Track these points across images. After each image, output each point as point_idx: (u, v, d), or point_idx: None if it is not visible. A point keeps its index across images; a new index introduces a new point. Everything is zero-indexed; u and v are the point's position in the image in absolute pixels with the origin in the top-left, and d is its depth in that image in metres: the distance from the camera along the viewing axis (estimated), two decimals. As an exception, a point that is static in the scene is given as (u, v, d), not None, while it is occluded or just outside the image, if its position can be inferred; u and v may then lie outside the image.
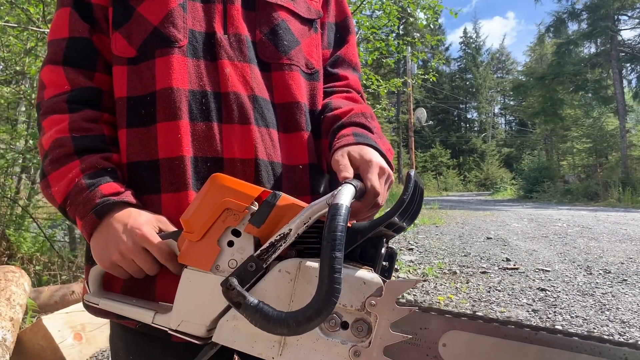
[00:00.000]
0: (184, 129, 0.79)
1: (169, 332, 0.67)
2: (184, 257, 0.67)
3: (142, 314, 0.70)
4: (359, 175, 0.76)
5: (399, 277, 4.74)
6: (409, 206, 0.64)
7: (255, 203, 0.65)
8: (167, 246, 0.72)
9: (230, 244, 0.65)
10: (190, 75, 0.81)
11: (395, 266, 5.14)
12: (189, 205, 0.78)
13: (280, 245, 0.61)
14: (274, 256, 0.61)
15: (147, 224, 0.74)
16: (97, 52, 0.85)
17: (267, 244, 0.61)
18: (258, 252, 0.62)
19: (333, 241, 0.52)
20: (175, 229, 0.76)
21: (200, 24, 0.84)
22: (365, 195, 0.73)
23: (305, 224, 0.60)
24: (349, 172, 0.74)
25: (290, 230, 0.60)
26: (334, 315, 0.59)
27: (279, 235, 0.60)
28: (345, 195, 0.58)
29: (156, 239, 0.73)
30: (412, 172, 0.65)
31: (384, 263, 0.67)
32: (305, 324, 0.52)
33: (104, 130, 0.83)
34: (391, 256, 0.69)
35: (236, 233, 0.65)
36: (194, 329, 0.66)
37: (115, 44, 0.83)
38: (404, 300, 0.68)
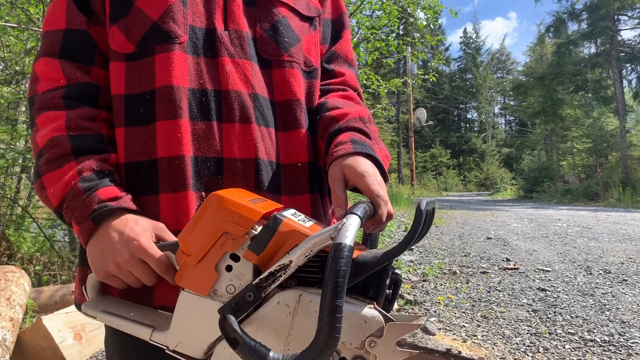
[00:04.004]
0: (184, 128, 0.77)
1: (167, 351, 0.66)
2: (181, 280, 0.65)
3: (139, 330, 0.69)
4: (357, 188, 0.76)
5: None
6: (419, 237, 0.62)
7: (256, 226, 0.62)
8: (165, 258, 0.70)
9: (229, 268, 0.62)
10: (191, 72, 0.79)
11: (395, 265, 5.12)
12: (187, 207, 0.76)
13: (280, 276, 0.59)
14: (273, 286, 0.59)
15: (145, 233, 0.71)
16: (94, 45, 0.81)
17: (266, 273, 0.59)
18: (257, 280, 0.59)
19: (334, 288, 0.50)
20: (174, 239, 0.73)
21: (200, 20, 0.82)
22: (375, 214, 0.72)
23: (306, 256, 0.58)
24: (343, 210, 0.73)
25: (291, 261, 0.58)
26: None
27: (279, 265, 0.58)
28: (350, 231, 0.55)
29: (154, 250, 0.70)
30: (423, 205, 0.61)
31: (388, 291, 0.65)
32: None
33: (102, 129, 0.79)
34: (395, 283, 0.66)
35: (235, 257, 0.62)
36: (191, 351, 0.65)
37: (113, 38, 0.80)
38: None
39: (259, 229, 0.62)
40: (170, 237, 0.74)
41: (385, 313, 0.58)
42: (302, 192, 0.86)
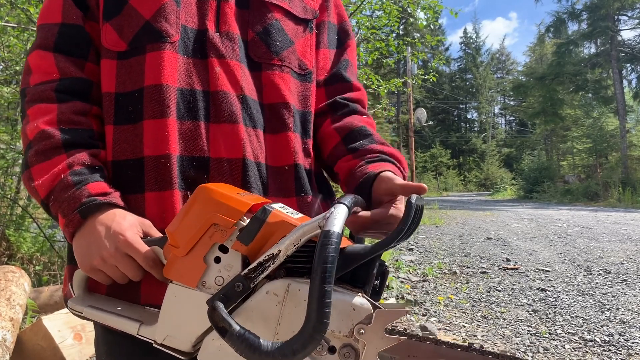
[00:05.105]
0: (171, 127, 0.77)
1: (154, 345, 0.66)
2: (169, 272, 0.64)
3: (127, 325, 0.68)
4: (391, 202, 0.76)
5: (399, 277, 4.74)
6: (407, 232, 0.62)
7: (244, 218, 0.62)
8: (152, 253, 0.70)
9: (217, 260, 0.62)
10: (180, 72, 0.79)
11: (396, 265, 5.12)
12: (173, 206, 0.76)
13: (269, 266, 0.58)
14: (262, 276, 0.59)
15: (131, 228, 0.71)
16: (89, 41, 0.82)
17: (255, 264, 0.59)
18: (246, 271, 0.59)
19: (323, 273, 0.50)
20: (160, 235, 0.73)
21: (192, 20, 0.82)
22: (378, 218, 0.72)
23: (295, 245, 0.58)
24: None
25: (280, 251, 0.58)
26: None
27: (268, 255, 0.58)
28: (338, 219, 0.55)
29: (140, 245, 0.69)
30: (414, 199, 0.62)
31: (375, 282, 0.65)
32: (290, 356, 0.51)
33: (93, 124, 0.79)
34: (383, 274, 0.67)
35: (223, 249, 0.62)
36: (179, 344, 0.64)
37: (106, 36, 0.80)
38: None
39: (248, 220, 0.62)
40: (157, 234, 0.74)
41: (373, 301, 0.59)
42: (289, 195, 0.86)
